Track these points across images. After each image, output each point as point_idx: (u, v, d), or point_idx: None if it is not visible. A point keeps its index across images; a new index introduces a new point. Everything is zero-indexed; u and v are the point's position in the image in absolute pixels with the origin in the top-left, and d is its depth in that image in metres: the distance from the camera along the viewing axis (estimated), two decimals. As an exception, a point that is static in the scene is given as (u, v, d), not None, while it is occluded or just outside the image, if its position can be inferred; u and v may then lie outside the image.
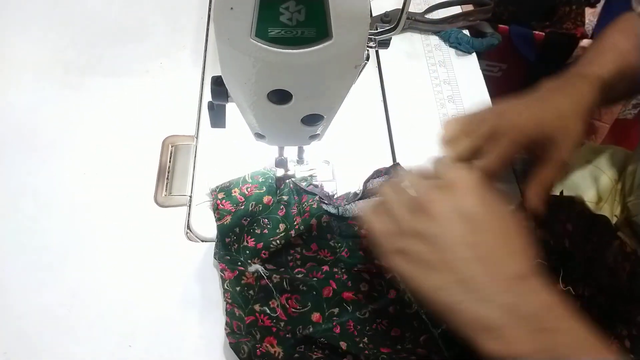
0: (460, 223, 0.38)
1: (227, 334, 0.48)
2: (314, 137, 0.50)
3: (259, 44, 0.35)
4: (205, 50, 0.74)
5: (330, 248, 0.55)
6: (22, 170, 0.61)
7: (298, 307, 0.50)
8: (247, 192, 0.57)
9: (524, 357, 0.34)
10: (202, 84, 0.70)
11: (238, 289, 0.51)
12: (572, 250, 0.52)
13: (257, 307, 0.50)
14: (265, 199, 0.57)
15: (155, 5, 0.79)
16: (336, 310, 0.50)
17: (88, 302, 0.52)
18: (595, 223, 0.55)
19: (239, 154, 0.62)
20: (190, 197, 0.59)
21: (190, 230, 0.57)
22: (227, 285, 0.51)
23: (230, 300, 0.51)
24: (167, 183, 0.61)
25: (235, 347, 0.47)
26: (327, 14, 0.33)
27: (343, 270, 0.52)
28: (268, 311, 0.50)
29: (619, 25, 0.64)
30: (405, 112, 0.69)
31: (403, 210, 0.41)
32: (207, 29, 0.76)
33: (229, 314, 0.50)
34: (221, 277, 0.52)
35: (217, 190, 0.58)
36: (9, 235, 0.56)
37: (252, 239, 0.54)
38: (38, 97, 0.67)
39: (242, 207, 0.56)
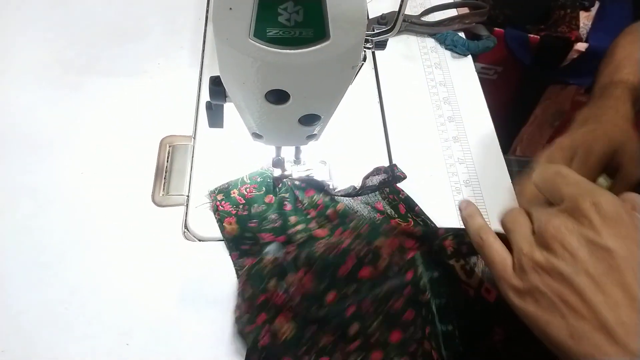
0: (604, 260, 0.33)
1: (236, 319, 0.49)
2: (311, 137, 0.50)
3: (258, 44, 0.35)
4: (203, 51, 0.74)
5: (353, 228, 0.54)
6: (21, 169, 0.61)
7: (313, 284, 0.50)
8: (246, 193, 0.58)
9: None
10: (200, 84, 0.70)
11: (256, 267, 0.51)
12: None
13: (273, 281, 0.50)
14: (267, 199, 0.58)
15: (154, 5, 0.79)
16: (353, 287, 0.49)
17: (86, 301, 0.52)
18: None
19: (237, 154, 0.62)
20: (188, 196, 0.60)
21: (188, 230, 0.57)
22: (247, 269, 0.52)
23: (245, 278, 0.51)
24: (164, 182, 0.61)
25: (241, 335, 0.48)
26: (324, 15, 0.34)
27: (362, 245, 0.50)
28: (285, 286, 0.50)
29: (629, 37, 0.65)
30: (402, 114, 0.69)
31: (528, 242, 0.37)
32: (205, 30, 0.77)
33: (241, 294, 0.50)
34: (240, 267, 0.53)
35: (216, 192, 0.58)
36: (7, 234, 0.56)
37: (271, 234, 0.55)
38: (37, 97, 0.68)
39: (246, 212, 0.57)
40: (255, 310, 0.49)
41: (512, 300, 0.36)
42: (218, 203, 0.57)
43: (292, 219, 0.56)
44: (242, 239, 0.55)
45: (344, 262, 0.50)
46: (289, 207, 0.57)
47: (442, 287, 0.47)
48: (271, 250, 0.52)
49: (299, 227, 0.55)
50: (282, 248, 0.52)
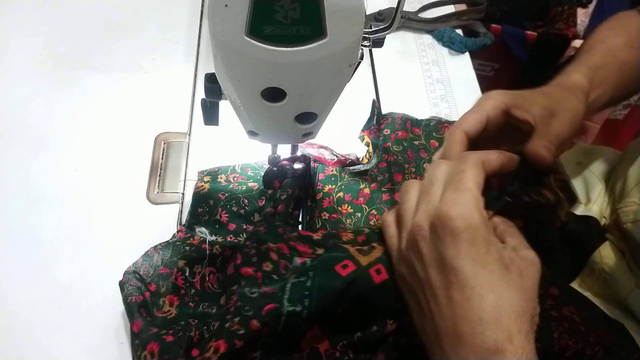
0: (447, 276, 0.36)
1: (125, 272, 0.49)
2: (307, 135, 0.50)
3: (253, 41, 0.35)
4: (199, 46, 0.73)
5: (253, 223, 0.54)
6: (13, 165, 0.60)
7: (215, 287, 0.49)
8: (232, 181, 0.58)
9: None
10: (195, 80, 0.70)
11: (178, 243, 0.51)
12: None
13: (181, 263, 0.49)
14: (251, 184, 0.57)
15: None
16: (235, 287, 0.45)
17: (79, 299, 0.52)
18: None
19: (232, 151, 0.62)
20: (183, 194, 0.59)
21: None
22: (170, 240, 0.52)
23: (160, 247, 0.51)
24: (159, 180, 0.60)
25: (121, 285, 0.48)
26: (322, 12, 0.33)
27: (254, 245, 0.47)
28: (187, 273, 0.49)
29: (609, 24, 0.65)
30: (398, 111, 0.69)
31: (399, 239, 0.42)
32: (200, 25, 0.76)
33: (146, 256, 0.50)
34: (173, 235, 0.53)
35: (205, 173, 0.58)
36: (0, 231, 0.55)
37: (227, 215, 0.54)
38: (28, 92, 0.67)
39: (225, 183, 0.57)
40: (153, 277, 0.48)
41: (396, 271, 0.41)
42: (201, 184, 0.57)
43: (256, 215, 0.55)
44: (203, 201, 0.55)
45: (234, 259, 0.47)
46: (263, 202, 0.56)
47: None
48: (203, 232, 0.52)
49: (252, 227, 0.54)
50: (210, 238, 0.51)
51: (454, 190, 0.38)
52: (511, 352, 0.33)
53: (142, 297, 0.46)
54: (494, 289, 0.35)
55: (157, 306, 0.47)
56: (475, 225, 0.36)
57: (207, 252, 0.49)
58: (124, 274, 0.49)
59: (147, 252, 0.51)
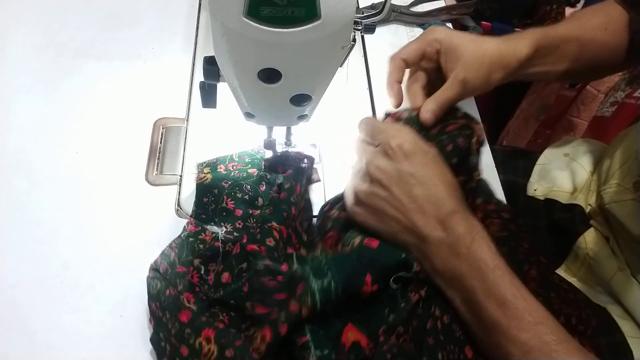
0: (401, 183, 0.48)
1: (150, 268, 0.51)
2: (302, 117, 0.52)
3: (251, 22, 0.36)
4: (196, 36, 0.75)
5: (258, 207, 0.56)
6: (15, 147, 0.62)
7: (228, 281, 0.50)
8: (232, 170, 0.59)
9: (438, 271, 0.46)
10: (193, 68, 0.71)
11: (191, 239, 0.53)
12: None
13: (197, 262, 0.51)
14: (250, 170, 0.59)
15: (148, -9, 0.80)
16: (244, 265, 0.49)
17: (80, 274, 0.53)
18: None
19: (228, 136, 0.63)
20: (181, 176, 0.61)
21: (180, 208, 0.59)
22: (182, 235, 0.53)
23: (174, 245, 0.52)
24: (158, 163, 0.62)
25: (150, 280, 0.49)
26: (315, -6, 0.35)
27: (258, 224, 0.51)
28: (202, 271, 0.51)
29: (592, 6, 0.68)
30: (389, 100, 0.71)
31: (360, 178, 0.51)
32: (198, 16, 0.78)
33: (163, 255, 0.52)
34: (184, 228, 0.54)
35: (204, 165, 0.59)
36: (3, 210, 0.57)
37: (232, 202, 0.56)
38: (30, 79, 0.69)
39: (224, 172, 0.58)
40: (173, 277, 0.50)
41: (354, 217, 0.51)
42: (202, 175, 0.58)
43: (260, 200, 0.57)
44: (208, 191, 0.56)
45: (241, 239, 0.50)
46: (263, 187, 0.57)
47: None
48: (215, 230, 0.54)
49: (258, 212, 0.56)
50: (223, 236, 0.53)
51: (391, 131, 0.50)
52: (461, 211, 0.47)
53: (176, 291, 0.48)
54: (438, 177, 0.48)
55: (180, 305, 0.48)
56: (415, 141, 0.49)
57: (221, 249, 0.51)
58: (150, 270, 0.50)
59: (164, 251, 0.52)
